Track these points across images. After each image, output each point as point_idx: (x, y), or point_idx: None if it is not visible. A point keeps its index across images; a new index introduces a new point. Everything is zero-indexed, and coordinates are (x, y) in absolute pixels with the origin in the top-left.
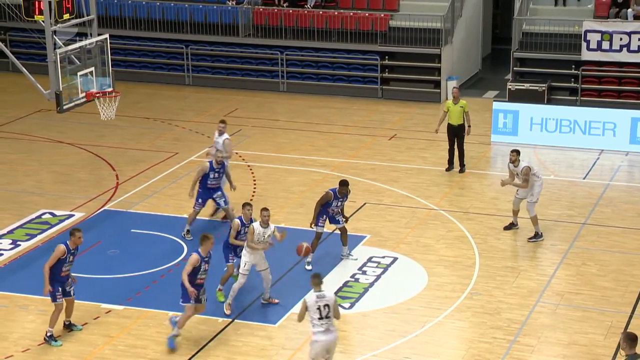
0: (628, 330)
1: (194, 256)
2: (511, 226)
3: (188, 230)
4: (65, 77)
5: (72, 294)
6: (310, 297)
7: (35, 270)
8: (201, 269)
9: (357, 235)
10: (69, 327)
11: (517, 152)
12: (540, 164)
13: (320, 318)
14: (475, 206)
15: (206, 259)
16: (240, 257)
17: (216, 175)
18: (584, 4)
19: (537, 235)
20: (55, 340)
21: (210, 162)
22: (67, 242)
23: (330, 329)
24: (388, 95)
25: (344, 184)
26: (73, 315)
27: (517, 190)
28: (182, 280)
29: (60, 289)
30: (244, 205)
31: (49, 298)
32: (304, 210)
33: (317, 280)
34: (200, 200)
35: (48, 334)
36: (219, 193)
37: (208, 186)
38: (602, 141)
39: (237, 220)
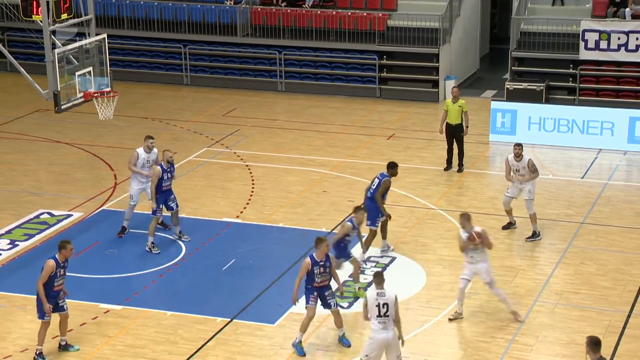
0: (591, 335)
1: (307, 260)
2: (509, 225)
3: (153, 243)
4: (64, 77)
5: (65, 308)
6: (371, 293)
7: (34, 271)
8: (316, 272)
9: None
10: (65, 348)
11: (521, 146)
12: (538, 164)
13: (379, 316)
14: (473, 205)
15: (321, 263)
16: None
17: (169, 175)
18: (582, 4)
19: (534, 235)
20: (44, 358)
21: (161, 164)
22: (56, 255)
23: (388, 327)
24: (386, 94)
25: (394, 165)
26: (67, 334)
27: (508, 189)
28: (295, 288)
29: (52, 304)
30: (356, 209)
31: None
32: (302, 209)
33: (379, 279)
34: (160, 207)
35: (37, 352)
36: (172, 196)
37: (163, 189)
38: (600, 140)
39: (348, 223)
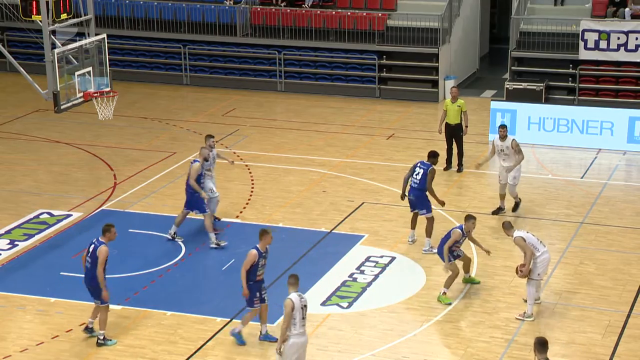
0: (538, 336)
1: (253, 252)
2: (499, 211)
3: (216, 237)
4: (63, 77)
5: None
6: (295, 297)
7: (34, 271)
8: (260, 264)
9: (355, 235)
10: (90, 330)
11: (506, 127)
12: (538, 163)
13: (303, 318)
14: (473, 205)
15: (264, 255)
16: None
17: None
18: (581, 3)
19: (517, 205)
20: (110, 340)
21: (196, 160)
22: (100, 238)
23: (305, 331)
24: (386, 94)
25: (435, 154)
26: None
27: (499, 176)
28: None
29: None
30: (467, 217)
31: (98, 302)
32: (302, 209)
33: (294, 279)
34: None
35: (101, 337)
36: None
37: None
38: (599, 140)
39: (457, 230)
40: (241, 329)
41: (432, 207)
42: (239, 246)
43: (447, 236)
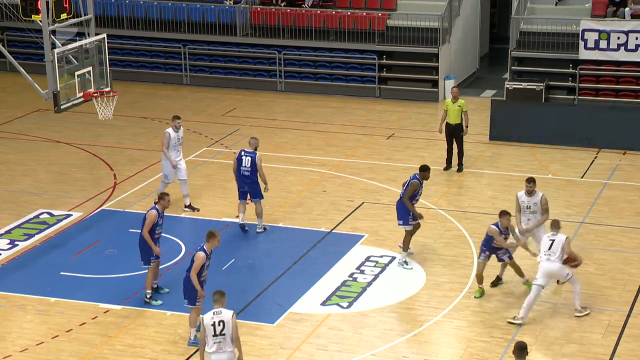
0: (517, 340)
1: (201, 254)
2: (497, 281)
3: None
4: (63, 76)
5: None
6: (207, 315)
7: (34, 271)
8: (206, 264)
9: (355, 235)
10: (156, 289)
11: (534, 181)
12: (538, 163)
13: (214, 335)
14: (473, 205)
15: (210, 257)
16: None
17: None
18: (581, 3)
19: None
20: (156, 300)
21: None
22: (157, 206)
23: (224, 348)
24: (386, 94)
25: (425, 168)
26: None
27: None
28: (191, 280)
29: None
30: (501, 213)
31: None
32: (302, 209)
33: (217, 296)
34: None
35: (148, 296)
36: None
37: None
38: (600, 140)
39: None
40: (195, 333)
41: (434, 206)
42: (239, 246)
43: (487, 237)
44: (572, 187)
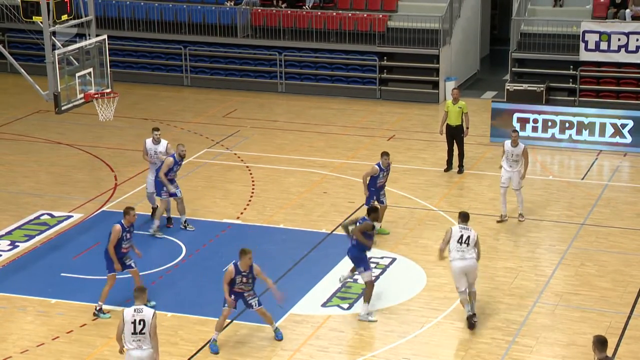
0: (598, 334)
1: (230, 268)
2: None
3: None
4: (64, 78)
5: (133, 266)
6: (128, 310)
7: (34, 272)
8: (237, 280)
9: None
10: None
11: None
12: (539, 165)
13: (134, 333)
14: (474, 207)
15: (244, 273)
16: None
17: (177, 168)
18: (582, 5)
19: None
20: (104, 313)
21: (173, 155)
22: (122, 221)
23: (143, 346)
24: (386, 96)
25: (373, 210)
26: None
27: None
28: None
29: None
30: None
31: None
32: (302, 211)
33: (138, 293)
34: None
35: (97, 308)
36: (175, 184)
37: (168, 178)
38: (600, 142)
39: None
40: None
41: (434, 207)
42: (240, 247)
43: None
44: (573, 188)
